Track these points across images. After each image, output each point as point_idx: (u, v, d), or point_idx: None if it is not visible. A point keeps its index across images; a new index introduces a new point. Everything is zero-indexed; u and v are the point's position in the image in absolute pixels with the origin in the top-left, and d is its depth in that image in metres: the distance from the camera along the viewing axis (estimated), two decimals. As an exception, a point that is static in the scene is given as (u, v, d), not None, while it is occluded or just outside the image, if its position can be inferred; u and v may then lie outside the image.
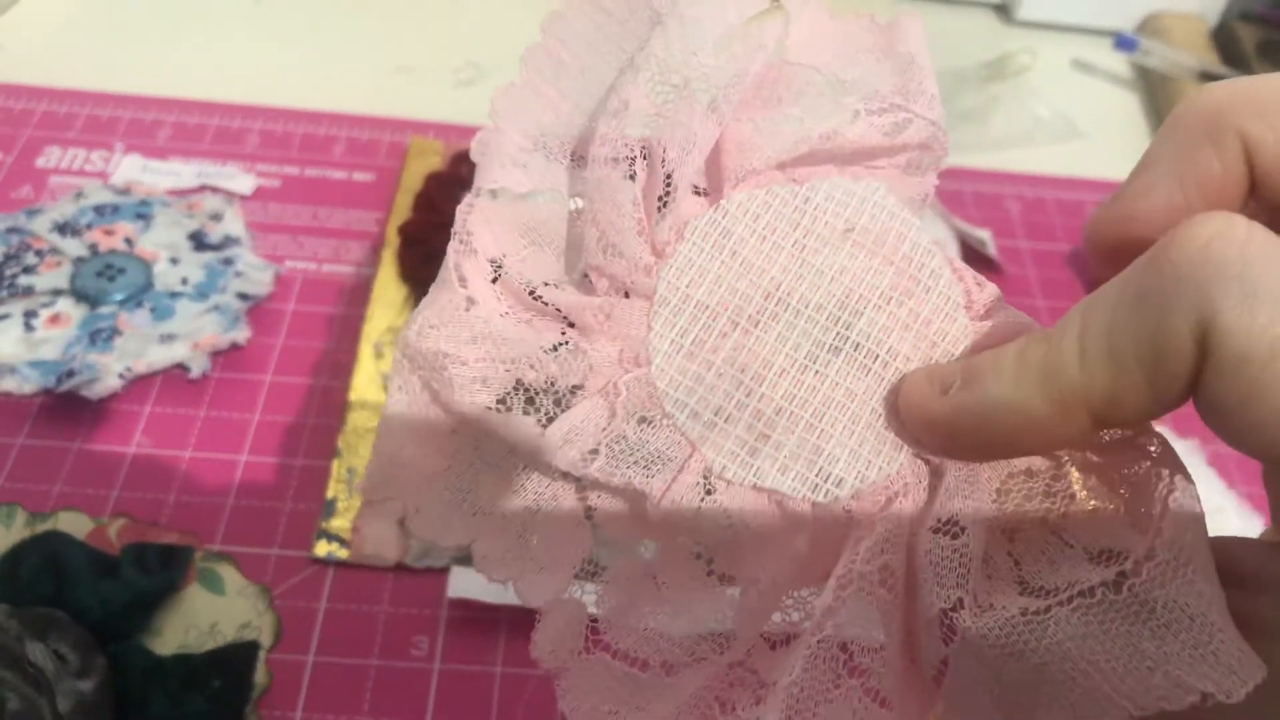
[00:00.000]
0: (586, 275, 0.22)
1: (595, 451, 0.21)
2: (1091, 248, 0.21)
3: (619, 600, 0.21)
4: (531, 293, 0.22)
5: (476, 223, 0.22)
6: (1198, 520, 0.18)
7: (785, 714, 0.19)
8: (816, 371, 0.22)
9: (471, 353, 0.21)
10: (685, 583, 0.21)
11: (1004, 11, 0.92)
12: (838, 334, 0.22)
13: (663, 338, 0.22)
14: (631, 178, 0.22)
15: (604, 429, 0.21)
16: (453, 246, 0.22)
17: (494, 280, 0.22)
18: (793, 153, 0.22)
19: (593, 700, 0.21)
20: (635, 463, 0.21)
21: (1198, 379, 0.17)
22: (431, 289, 0.22)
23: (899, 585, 0.20)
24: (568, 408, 0.21)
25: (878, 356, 0.22)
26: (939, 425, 0.20)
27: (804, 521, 0.21)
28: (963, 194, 0.72)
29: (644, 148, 0.22)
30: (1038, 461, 0.21)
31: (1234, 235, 0.16)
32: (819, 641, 0.20)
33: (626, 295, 0.22)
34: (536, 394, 0.21)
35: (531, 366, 0.21)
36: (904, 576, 0.20)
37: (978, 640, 0.19)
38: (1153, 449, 0.20)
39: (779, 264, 0.22)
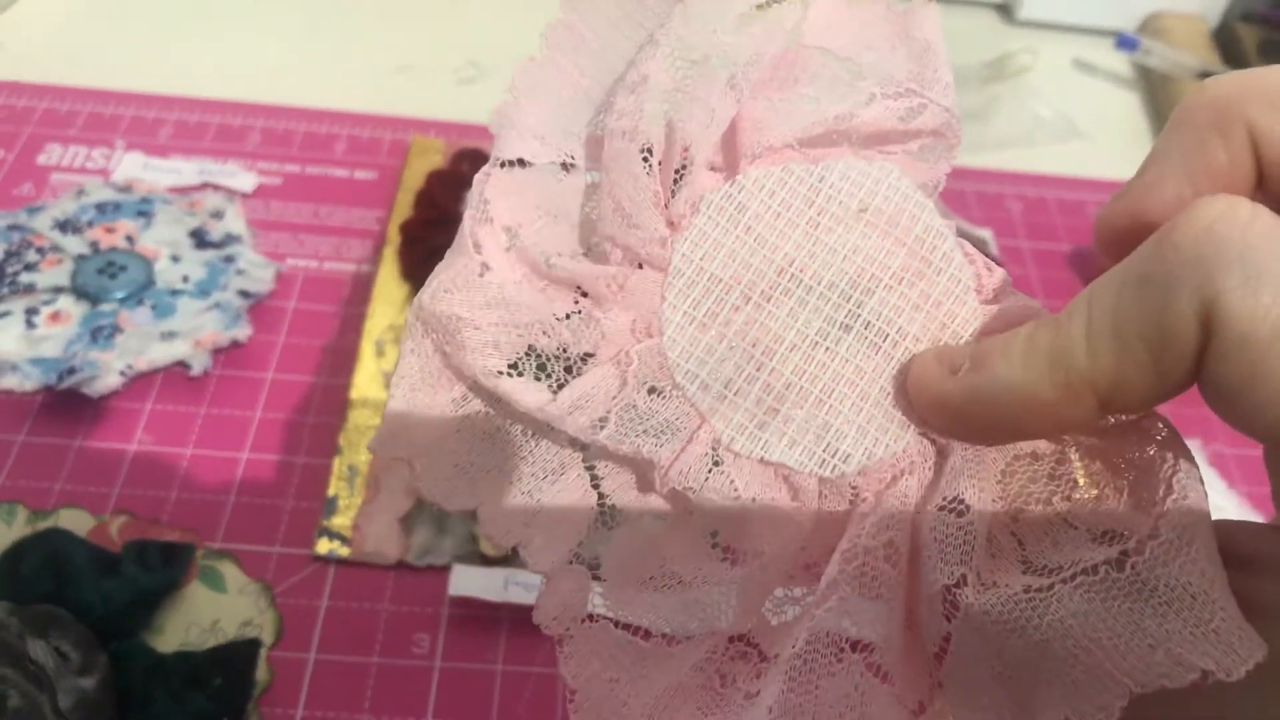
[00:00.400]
0: (600, 247, 0.22)
1: (605, 419, 0.21)
2: (1102, 242, 0.21)
3: (622, 570, 0.21)
4: (546, 262, 0.22)
5: (493, 192, 0.22)
6: (1201, 502, 0.18)
7: (786, 686, 0.19)
8: (827, 348, 0.22)
9: (485, 317, 0.21)
10: (689, 556, 0.21)
11: (1005, 11, 0.92)
12: (849, 312, 0.22)
13: (675, 309, 0.22)
14: (649, 151, 0.22)
15: (614, 397, 0.21)
16: (469, 214, 0.22)
17: (508, 249, 0.22)
18: (808, 133, 0.23)
19: (594, 667, 0.21)
20: (644, 431, 0.21)
21: (1202, 361, 0.17)
22: (447, 254, 0.22)
23: (903, 562, 0.20)
24: (579, 375, 0.21)
25: (888, 336, 0.22)
26: (947, 406, 0.20)
27: (810, 495, 0.21)
28: (964, 193, 0.72)
29: (662, 122, 0.22)
30: (1043, 445, 0.21)
31: (1237, 217, 0.17)
32: (823, 614, 0.20)
33: (640, 267, 0.22)
34: (548, 360, 0.22)
35: (544, 333, 0.22)
36: (908, 554, 0.20)
37: (980, 616, 0.19)
38: (1158, 433, 0.20)
39: (793, 240, 0.22)
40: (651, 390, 0.22)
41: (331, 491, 0.49)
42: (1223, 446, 0.58)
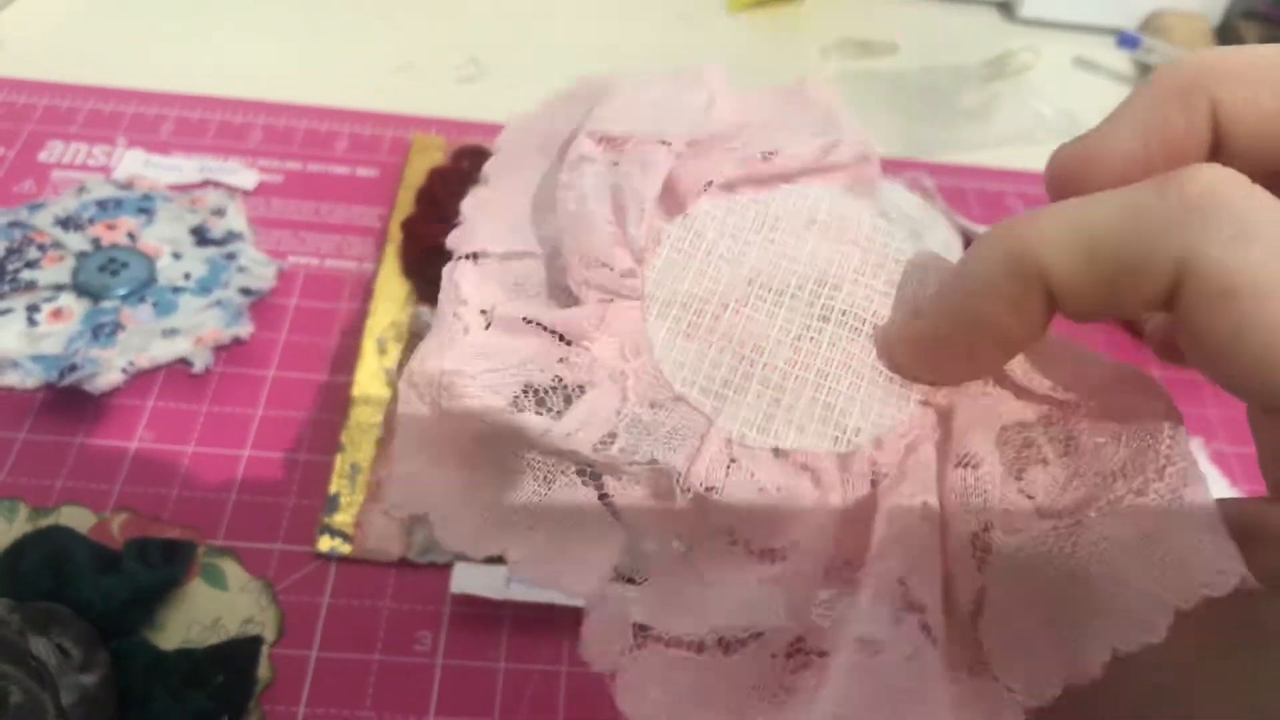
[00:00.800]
0: (572, 295, 0.23)
1: (613, 435, 0.21)
2: (1049, 182, 0.22)
3: (661, 592, 0.21)
4: (524, 319, 0.23)
5: (463, 279, 0.23)
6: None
7: (854, 649, 0.19)
8: (811, 338, 0.22)
9: (477, 366, 0.22)
10: (725, 564, 0.21)
11: (1006, 9, 0.92)
12: (823, 305, 0.23)
13: (658, 328, 0.23)
14: (600, 204, 0.23)
15: (618, 413, 0.21)
16: (443, 296, 0.23)
17: (487, 327, 0.23)
18: (739, 171, 0.24)
19: (653, 694, 0.21)
20: (655, 441, 0.21)
21: (1172, 305, 0.17)
22: (428, 335, 0.23)
23: (936, 522, 0.20)
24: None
25: (865, 320, 0.23)
26: (922, 341, 0.21)
27: (831, 478, 0.21)
28: (965, 192, 0.72)
29: (608, 180, 0.23)
30: (1028, 414, 0.21)
31: (1238, 181, 0.17)
32: (882, 570, 0.20)
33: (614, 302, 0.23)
34: (546, 394, 0.22)
35: (539, 369, 0.22)
36: (938, 515, 0.20)
37: (1013, 557, 0.19)
38: (1139, 381, 0.21)
39: (753, 257, 0.23)
40: (653, 405, 0.22)
41: (333, 489, 0.49)
42: (1224, 445, 0.58)
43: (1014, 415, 0.21)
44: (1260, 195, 0.17)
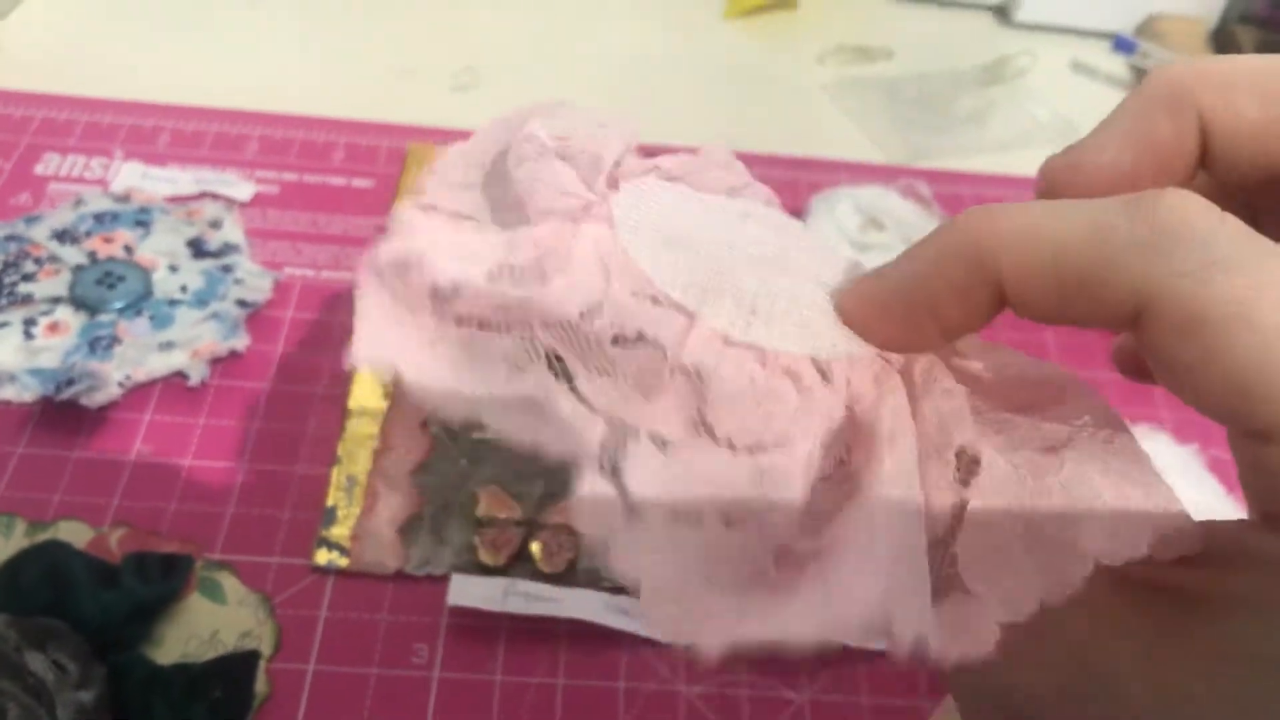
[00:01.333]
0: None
1: (599, 307, 0.20)
2: (1039, 193, 0.22)
3: (648, 470, 0.20)
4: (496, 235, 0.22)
5: (413, 219, 0.23)
6: None
7: (884, 502, 0.19)
8: (775, 276, 0.23)
9: (448, 246, 0.21)
10: (709, 458, 0.20)
11: (1002, 14, 0.92)
12: (778, 264, 0.23)
13: (632, 242, 0.23)
14: (560, 154, 0.24)
15: (602, 290, 0.21)
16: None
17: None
18: (677, 170, 0.25)
19: (649, 565, 0.19)
20: (643, 321, 0.20)
21: (1133, 328, 0.17)
22: (386, 235, 0.22)
23: (915, 443, 0.20)
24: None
25: (819, 279, 0.23)
26: (873, 300, 0.21)
27: (813, 380, 0.21)
28: (962, 197, 0.72)
29: (561, 142, 0.24)
30: (967, 395, 0.22)
31: (1206, 209, 0.17)
32: (896, 458, 0.20)
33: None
34: (523, 272, 0.21)
35: (514, 246, 0.21)
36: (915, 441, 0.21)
37: (1004, 470, 0.19)
38: (1082, 387, 0.21)
39: (703, 221, 0.24)
40: (634, 294, 0.21)
41: (330, 502, 0.49)
42: (1220, 452, 0.58)
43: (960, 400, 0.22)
44: (1229, 224, 0.17)
